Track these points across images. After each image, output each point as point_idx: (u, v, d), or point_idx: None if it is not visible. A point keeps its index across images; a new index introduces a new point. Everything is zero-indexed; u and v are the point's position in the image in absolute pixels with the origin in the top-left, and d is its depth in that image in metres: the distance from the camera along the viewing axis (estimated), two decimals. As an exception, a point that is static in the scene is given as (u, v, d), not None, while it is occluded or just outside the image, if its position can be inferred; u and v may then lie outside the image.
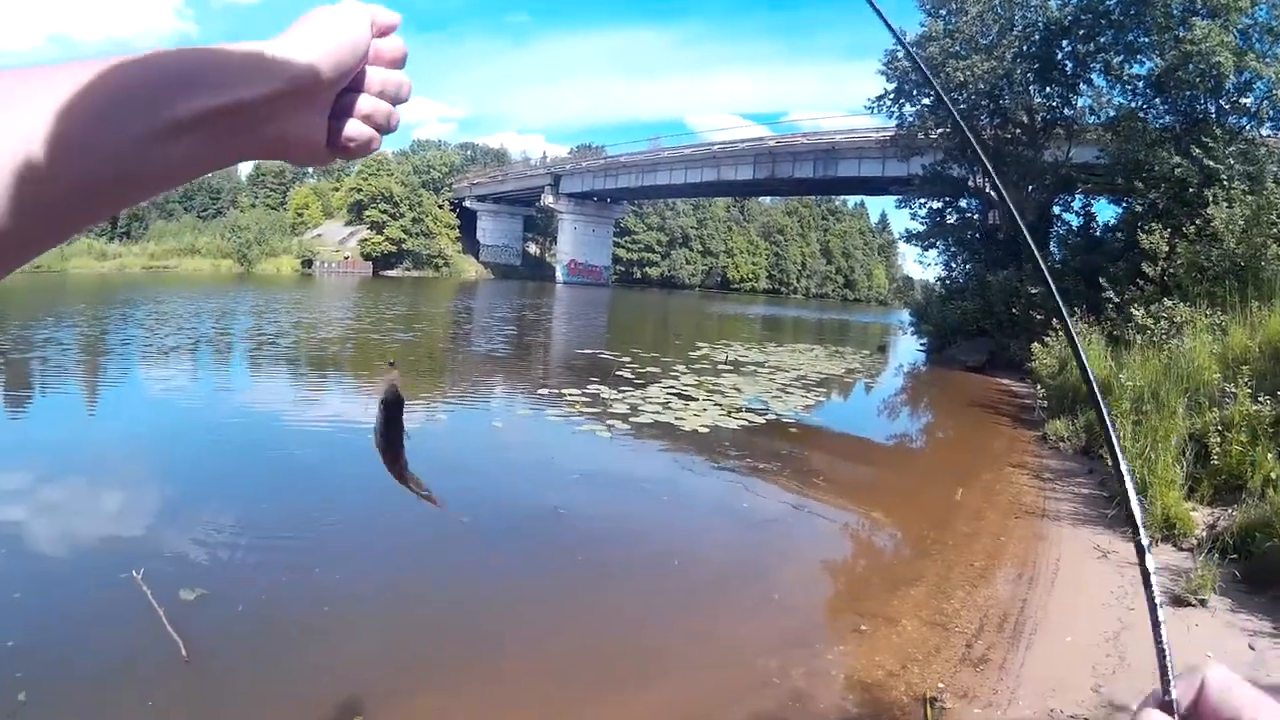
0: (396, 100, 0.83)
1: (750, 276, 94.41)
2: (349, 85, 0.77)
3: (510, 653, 5.86)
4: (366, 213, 76.66)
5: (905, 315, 35.79)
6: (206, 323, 26.11)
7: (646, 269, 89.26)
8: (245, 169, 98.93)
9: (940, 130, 26.39)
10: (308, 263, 72.30)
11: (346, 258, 74.29)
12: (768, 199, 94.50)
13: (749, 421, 13.79)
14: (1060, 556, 7.69)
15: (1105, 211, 25.61)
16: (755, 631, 6.33)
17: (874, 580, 7.33)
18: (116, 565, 7.01)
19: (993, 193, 25.72)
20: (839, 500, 9.61)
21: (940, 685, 5.27)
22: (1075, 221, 26.69)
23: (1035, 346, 17.66)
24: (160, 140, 0.62)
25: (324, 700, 5.38)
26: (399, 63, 0.82)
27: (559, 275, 78.80)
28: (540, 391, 16.40)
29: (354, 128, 0.79)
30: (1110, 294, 17.88)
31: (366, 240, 75.89)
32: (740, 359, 22.22)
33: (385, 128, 0.81)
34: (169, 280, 44.75)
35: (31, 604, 6.37)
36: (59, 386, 15.09)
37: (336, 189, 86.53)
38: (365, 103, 0.79)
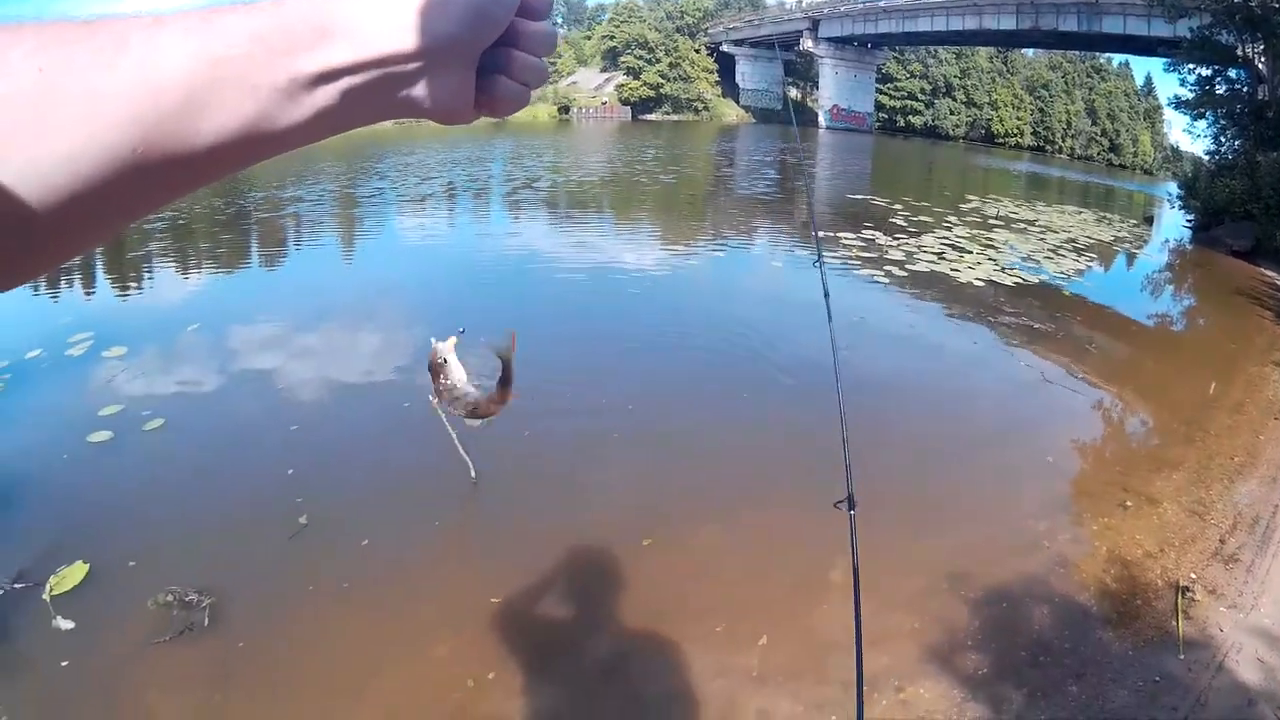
0: (544, 53, 0.77)
1: (1014, 131, 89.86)
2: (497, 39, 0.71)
3: (778, 491, 6.00)
4: (621, 59, 76.99)
5: (1172, 187, 33.65)
6: (460, 170, 26.83)
7: (910, 117, 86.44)
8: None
9: (1209, -10, 24.20)
10: (564, 109, 73.43)
11: (604, 103, 74.92)
12: (1030, 51, 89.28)
13: (1022, 280, 13.79)
14: (1318, 468, 7.35)
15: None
16: (1027, 491, 6.52)
17: (1139, 459, 7.29)
18: (403, 394, 7.43)
19: (1262, 65, 23.53)
20: (1106, 374, 9.57)
21: (1192, 576, 5.35)
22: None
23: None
24: (287, 96, 0.59)
25: (609, 522, 5.64)
26: (545, 12, 0.75)
27: (821, 120, 77.37)
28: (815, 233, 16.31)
29: (506, 87, 0.73)
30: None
31: (623, 86, 76.53)
32: (1010, 215, 21.87)
33: (535, 84, 0.76)
34: (419, 135, 45.92)
35: (312, 436, 6.85)
36: (317, 240, 15.92)
37: (588, 37, 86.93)
38: (517, 60, 0.74)
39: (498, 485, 6.03)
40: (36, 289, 12.04)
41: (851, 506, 2.76)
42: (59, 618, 4.58)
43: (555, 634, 4.65)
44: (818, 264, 3.97)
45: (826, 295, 3.83)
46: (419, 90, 0.66)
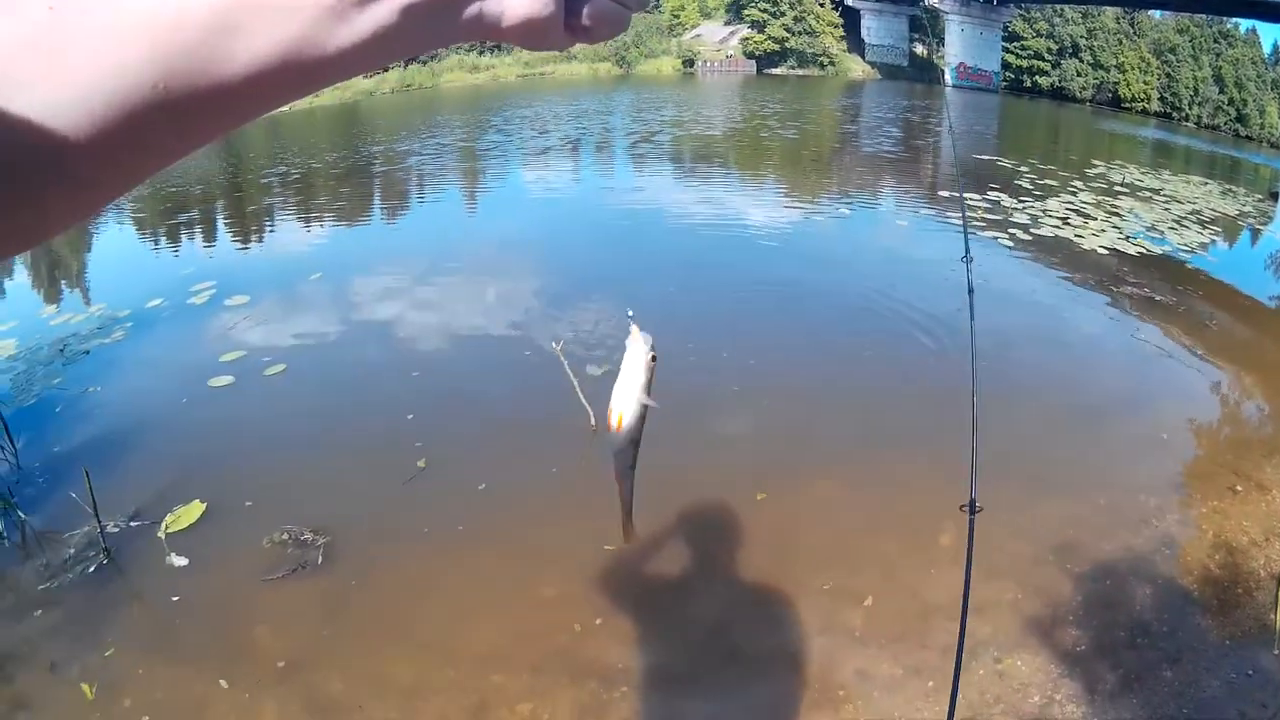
0: None
1: (1141, 96, 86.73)
2: None
3: (897, 450, 5.99)
4: (745, 12, 76.17)
5: (1299, 161, 32.38)
6: (582, 123, 26.90)
7: (1036, 78, 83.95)
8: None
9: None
10: (689, 63, 73.28)
11: (729, 56, 74.55)
12: (1157, 14, 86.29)
13: (1145, 250, 13.67)
14: None
15: None
16: (1140, 467, 6.52)
17: (1252, 443, 7.12)
18: (523, 344, 7.42)
19: None
20: (1225, 352, 9.32)
21: None
22: None
23: None
24: (335, 15, 0.49)
25: (724, 474, 5.53)
26: None
27: (947, 78, 75.95)
28: (940, 193, 16.21)
29: (599, 5, 0.60)
30: None
31: (748, 39, 75.80)
32: (1136, 183, 21.45)
33: (635, 3, 0.63)
34: (544, 87, 46.04)
35: (431, 382, 6.93)
36: (438, 192, 16.04)
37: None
38: None
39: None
40: (157, 242, 12.36)
41: (974, 511, 2.70)
42: (173, 554, 4.70)
43: (664, 585, 4.75)
44: (965, 259, 3.89)
45: (971, 292, 3.72)
46: (494, 5, 0.54)
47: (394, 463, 5.53)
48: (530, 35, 0.56)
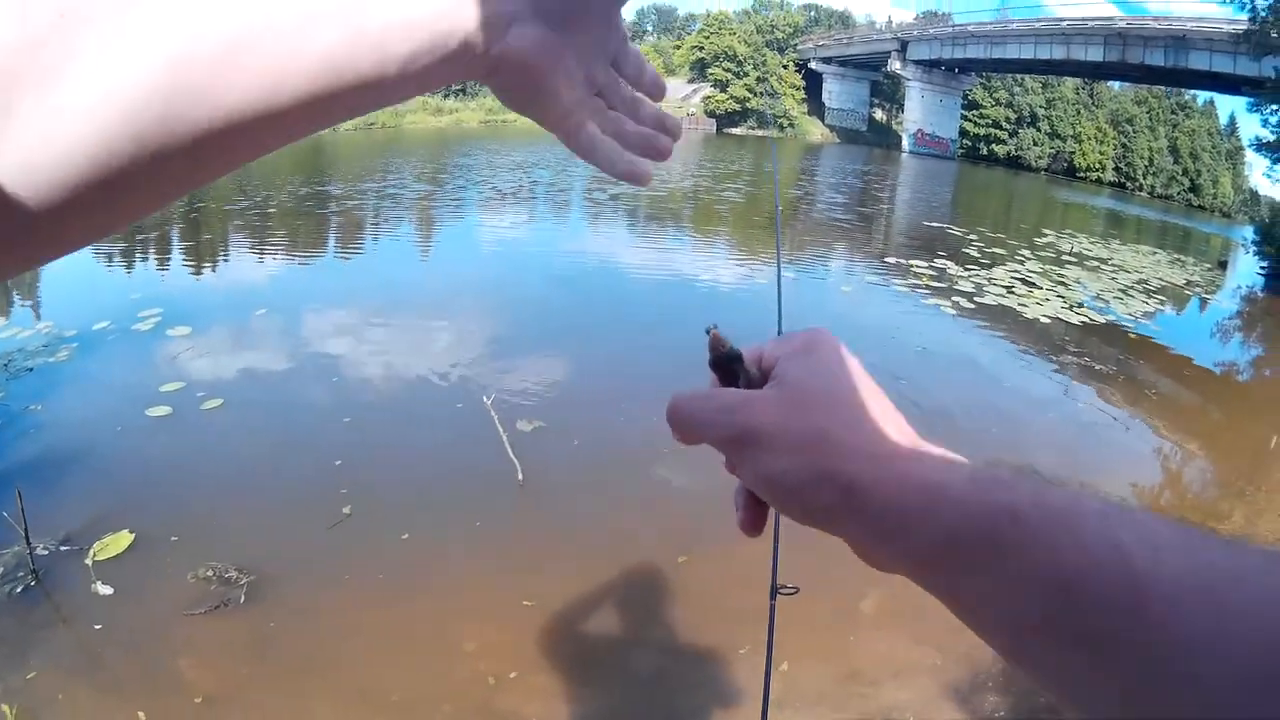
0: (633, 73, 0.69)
1: (1096, 166, 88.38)
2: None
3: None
4: (709, 71, 77.36)
5: (1248, 232, 33.12)
6: (544, 173, 27.08)
7: (993, 145, 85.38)
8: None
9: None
10: (652, 116, 73.43)
11: (690, 114, 74.94)
12: (1117, 84, 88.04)
13: (1089, 320, 13.79)
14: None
15: None
16: None
17: (1187, 509, 7.25)
18: (456, 395, 7.55)
19: None
20: (1162, 419, 9.48)
21: None
22: None
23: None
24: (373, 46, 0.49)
25: (648, 536, 5.67)
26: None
27: (905, 144, 76.94)
28: (888, 260, 16.50)
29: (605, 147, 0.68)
30: None
31: (710, 97, 76.62)
32: (1085, 252, 21.56)
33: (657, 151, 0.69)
34: (507, 133, 46.14)
35: (363, 428, 7.00)
36: (393, 232, 16.23)
37: (678, 47, 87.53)
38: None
39: (543, 491, 6.13)
40: (111, 261, 12.36)
41: (774, 596, 2.74)
42: (99, 582, 4.75)
43: (580, 642, 4.79)
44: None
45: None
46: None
47: (320, 507, 5.57)
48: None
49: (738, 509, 0.67)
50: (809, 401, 0.57)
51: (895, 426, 0.58)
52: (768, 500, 0.61)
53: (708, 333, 0.65)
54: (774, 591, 2.72)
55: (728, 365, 0.65)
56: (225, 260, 13.32)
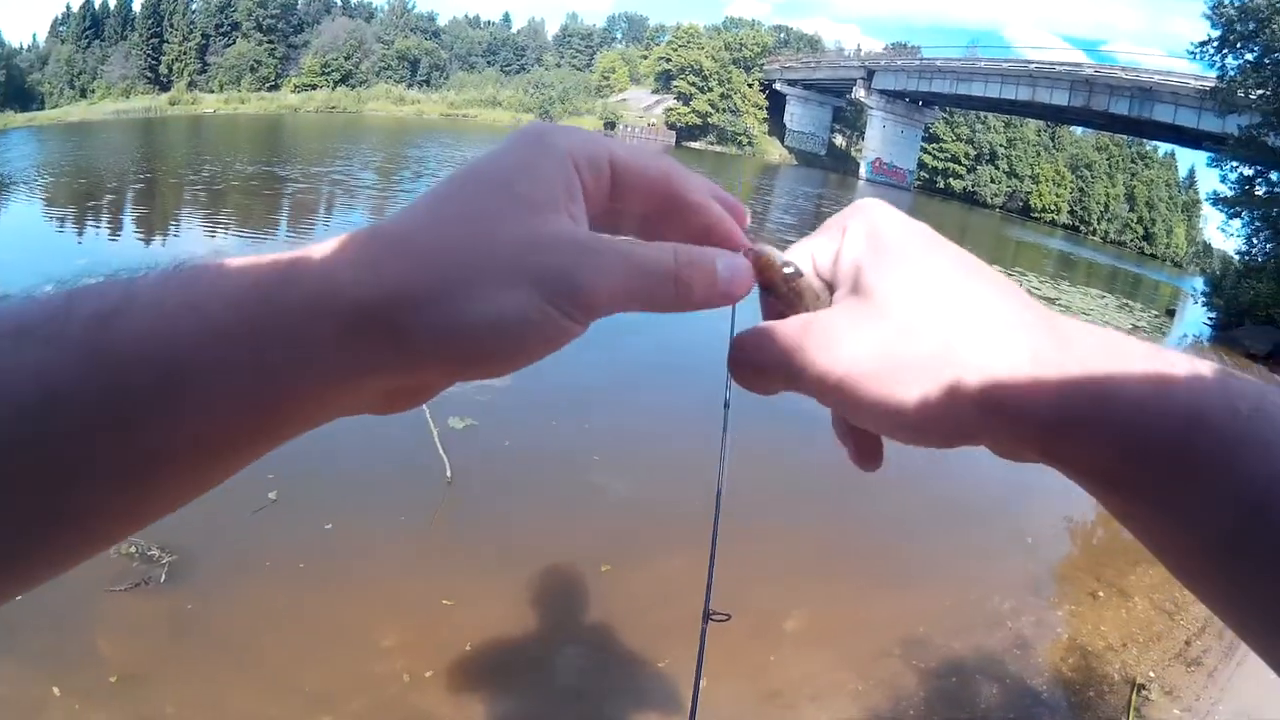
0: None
1: (1052, 207, 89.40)
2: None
3: (764, 536, 5.98)
4: (674, 83, 77.44)
5: (1198, 283, 33.70)
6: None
7: (950, 180, 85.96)
8: (552, 29, 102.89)
9: (1261, 92, 24.41)
10: (610, 125, 73.83)
11: (651, 124, 74.96)
12: (1079, 130, 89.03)
13: None
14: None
15: None
16: (1000, 569, 6.59)
17: (1118, 550, 7.24)
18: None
19: None
20: None
21: (1151, 674, 5.34)
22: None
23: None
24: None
25: (572, 542, 5.69)
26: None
27: (862, 171, 77.08)
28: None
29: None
30: None
31: (672, 110, 76.79)
32: (1033, 290, 21.65)
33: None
34: (467, 128, 45.94)
35: None
36: (346, 217, 16.15)
37: (645, 57, 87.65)
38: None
39: (471, 489, 6.14)
40: (62, 224, 12.24)
41: (706, 620, 2.53)
42: None
43: (497, 644, 4.71)
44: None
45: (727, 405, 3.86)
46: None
47: (246, 491, 5.44)
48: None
49: (843, 443, 0.57)
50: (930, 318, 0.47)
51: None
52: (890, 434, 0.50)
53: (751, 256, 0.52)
54: (706, 616, 2.49)
55: (792, 288, 0.53)
56: (176, 234, 13.47)
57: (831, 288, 0.53)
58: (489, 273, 0.41)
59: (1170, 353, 0.45)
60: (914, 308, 0.47)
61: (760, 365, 0.50)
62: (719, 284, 0.49)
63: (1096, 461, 0.45)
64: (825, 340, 0.48)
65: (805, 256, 0.55)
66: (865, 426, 0.51)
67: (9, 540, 0.38)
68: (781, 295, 0.53)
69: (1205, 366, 0.44)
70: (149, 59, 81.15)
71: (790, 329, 0.49)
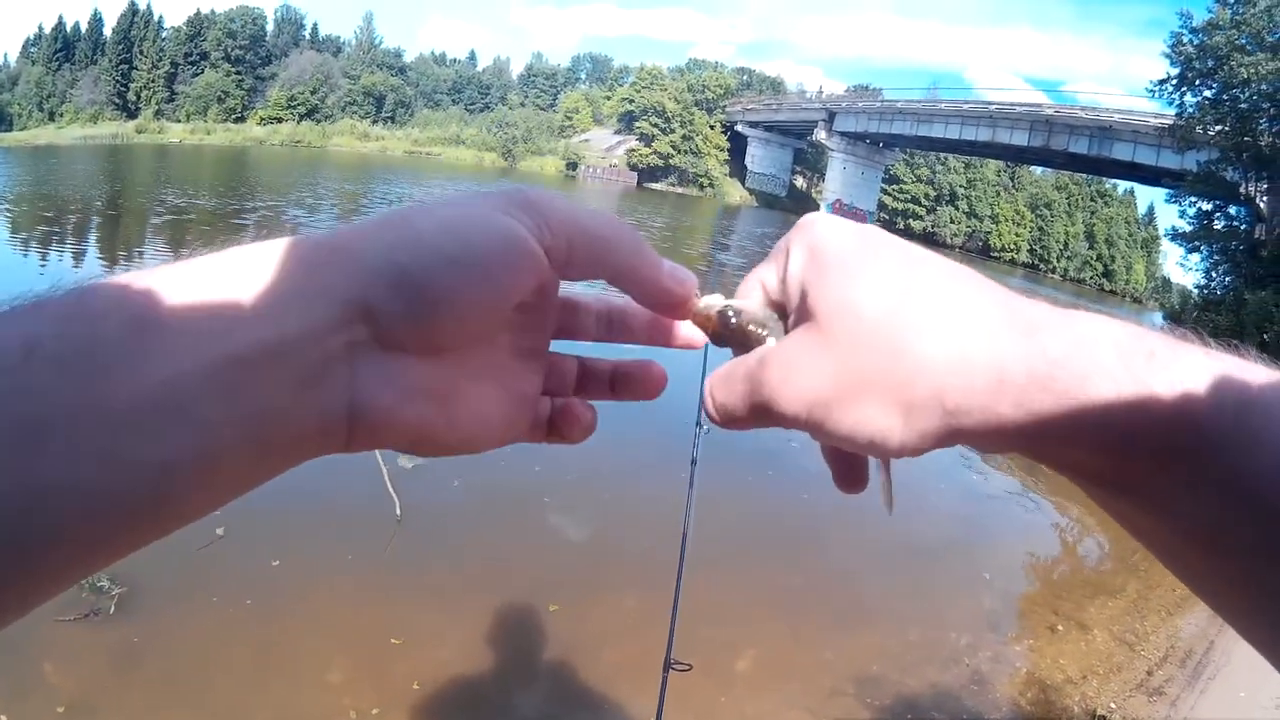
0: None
1: (1011, 247, 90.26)
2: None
3: (717, 577, 5.96)
4: (637, 124, 77.94)
5: (1158, 317, 33.97)
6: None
7: (910, 220, 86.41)
8: (517, 68, 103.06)
9: (1219, 128, 24.81)
10: (572, 165, 74.46)
11: (613, 165, 75.20)
12: (1039, 169, 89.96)
13: None
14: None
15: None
16: (957, 605, 6.60)
17: (1078, 583, 7.39)
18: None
19: (1263, 203, 24.00)
20: (1059, 496, 9.48)
21: (1112, 706, 5.32)
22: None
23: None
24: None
25: (521, 582, 5.73)
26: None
27: (822, 212, 77.45)
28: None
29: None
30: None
31: (634, 151, 77.23)
32: None
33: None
34: (429, 167, 45.67)
35: None
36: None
37: (608, 97, 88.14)
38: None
39: (420, 528, 6.13)
40: (26, 246, 12.18)
41: (667, 669, 2.58)
42: None
43: (444, 683, 4.65)
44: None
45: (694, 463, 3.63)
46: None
47: (194, 526, 5.37)
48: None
49: (828, 465, 0.58)
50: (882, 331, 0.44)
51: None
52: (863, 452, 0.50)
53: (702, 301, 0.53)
54: (667, 665, 2.57)
55: (737, 332, 0.52)
56: (140, 264, 13.24)
57: (785, 313, 0.51)
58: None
59: (1151, 336, 0.44)
60: (859, 322, 0.44)
61: (728, 410, 0.50)
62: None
63: (1075, 456, 0.44)
64: (782, 374, 0.46)
65: (755, 286, 0.54)
66: (847, 449, 0.49)
67: None
68: (732, 340, 0.53)
69: (1189, 354, 0.43)
70: (118, 85, 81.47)
71: (746, 368, 0.49)
